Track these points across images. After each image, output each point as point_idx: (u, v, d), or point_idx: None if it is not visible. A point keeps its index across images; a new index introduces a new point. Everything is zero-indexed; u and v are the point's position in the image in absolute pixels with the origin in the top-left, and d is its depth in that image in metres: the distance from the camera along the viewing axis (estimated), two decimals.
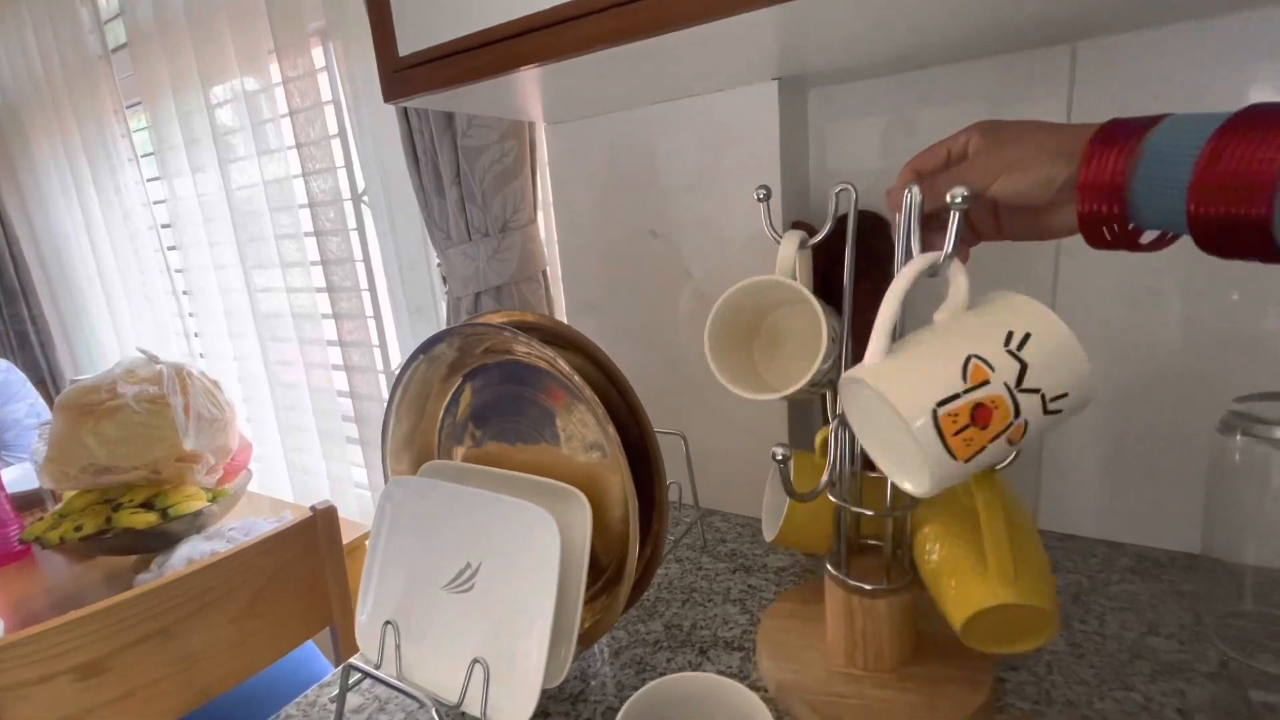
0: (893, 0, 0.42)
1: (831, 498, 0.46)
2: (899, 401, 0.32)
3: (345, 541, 0.84)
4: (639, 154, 0.72)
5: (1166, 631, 0.51)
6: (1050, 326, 0.33)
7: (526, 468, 0.53)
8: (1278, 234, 0.28)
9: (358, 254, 1.20)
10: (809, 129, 0.69)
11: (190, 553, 0.89)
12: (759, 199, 0.46)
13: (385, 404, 0.57)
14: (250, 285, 1.37)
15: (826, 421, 0.51)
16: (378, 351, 1.24)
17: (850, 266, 0.43)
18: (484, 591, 0.48)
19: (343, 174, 1.16)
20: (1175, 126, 0.31)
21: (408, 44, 0.56)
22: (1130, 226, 0.33)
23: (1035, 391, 0.32)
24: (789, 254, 0.43)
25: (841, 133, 0.67)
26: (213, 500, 0.99)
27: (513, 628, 0.45)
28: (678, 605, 0.60)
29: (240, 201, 1.30)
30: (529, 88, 0.60)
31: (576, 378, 0.45)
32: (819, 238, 0.44)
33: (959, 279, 0.36)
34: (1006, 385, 0.32)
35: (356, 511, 1.32)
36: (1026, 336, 0.33)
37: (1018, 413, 0.32)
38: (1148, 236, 0.34)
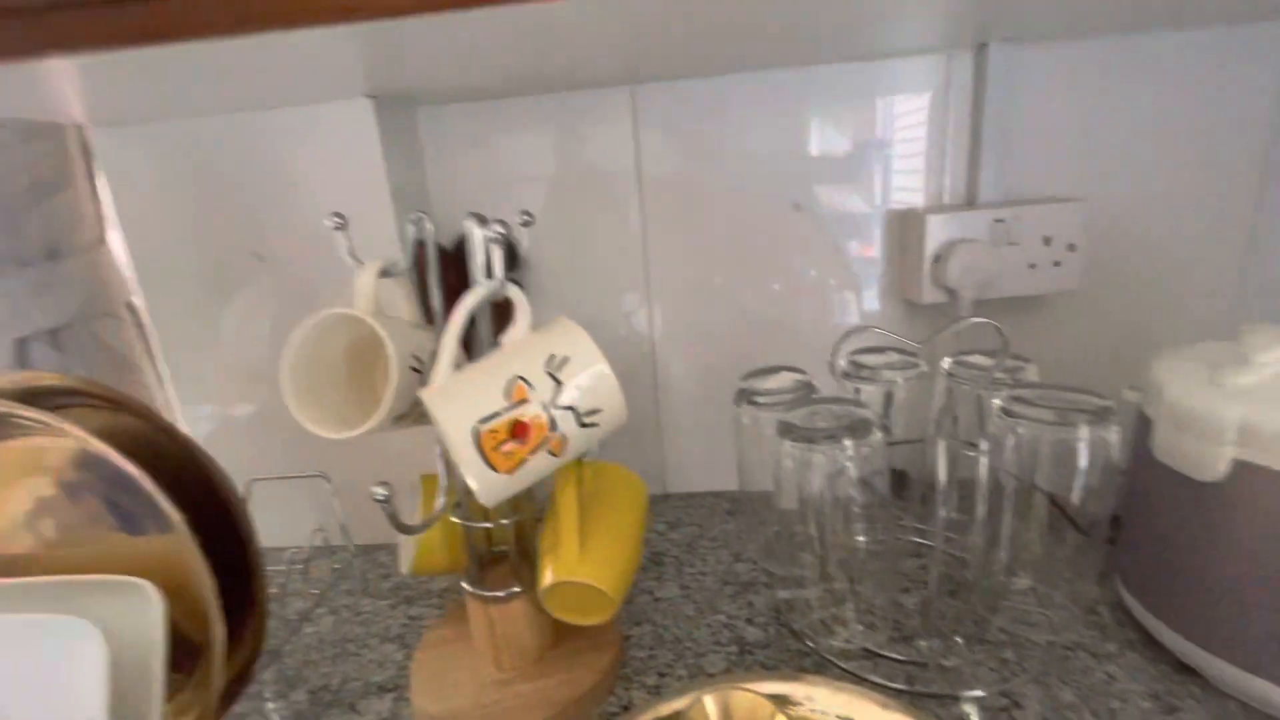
0: (450, 38, 0.44)
1: (454, 519, 0.47)
2: (444, 419, 0.35)
3: None
4: (231, 165, 0.63)
5: (745, 557, 0.65)
6: (585, 351, 0.38)
7: (78, 567, 0.42)
8: None
9: None
10: (425, 150, 0.68)
11: None
12: (333, 228, 0.44)
13: None
14: None
15: None
16: None
17: (437, 292, 0.44)
18: None
19: None
20: None
21: None
22: None
23: (570, 409, 0.37)
24: (366, 284, 0.42)
25: (453, 153, 0.69)
26: None
27: None
28: (328, 664, 0.56)
29: None
30: (61, 80, 0.47)
31: (96, 443, 0.37)
32: (406, 264, 0.44)
33: (521, 304, 0.39)
34: (544, 403, 0.36)
35: None
36: (565, 359, 0.37)
37: (554, 427, 0.37)
38: None
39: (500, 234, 0.37)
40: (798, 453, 0.41)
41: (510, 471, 0.37)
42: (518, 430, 0.36)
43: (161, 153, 0.64)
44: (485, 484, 0.37)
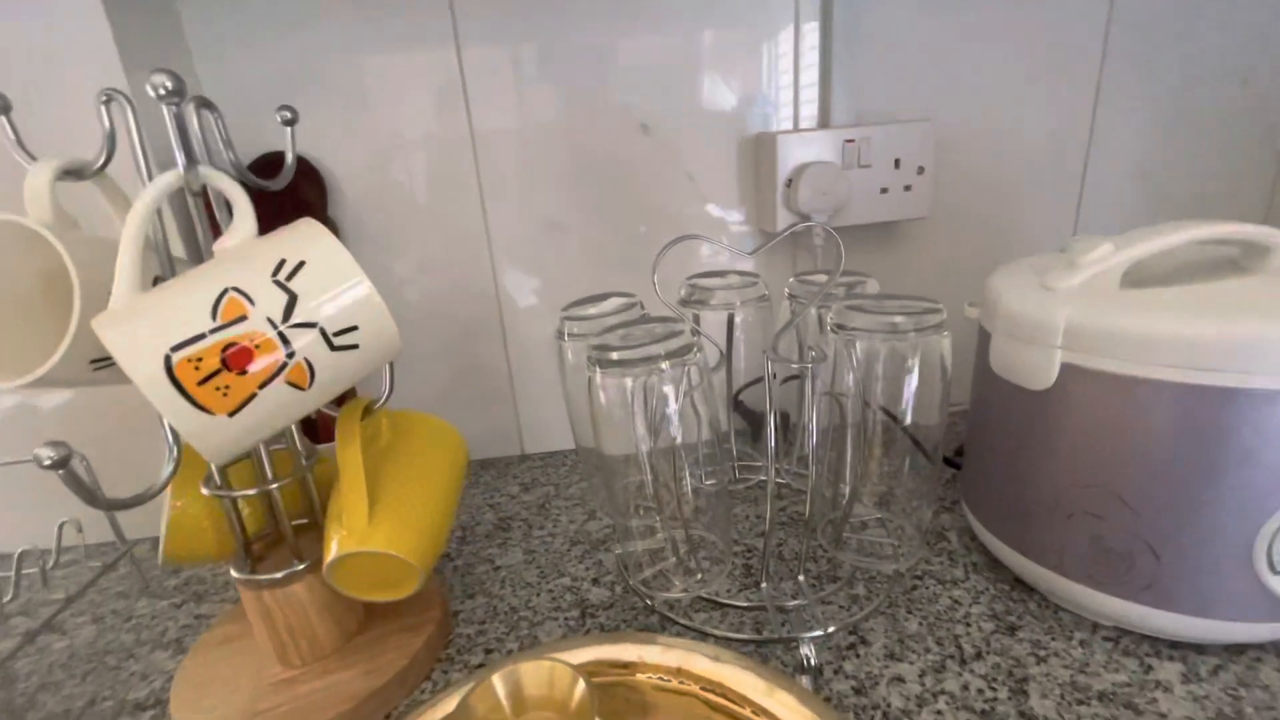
0: None
1: (204, 490, 0.38)
2: (120, 349, 0.26)
3: None
4: None
5: (600, 516, 0.60)
6: (328, 254, 0.30)
7: None
8: None
9: None
10: (191, 45, 0.56)
11: None
12: None
13: None
14: None
15: None
16: None
17: (201, 222, 0.34)
18: None
19: None
20: None
21: None
22: None
23: (311, 325, 0.29)
24: (40, 186, 0.32)
25: (234, 50, 0.56)
26: None
27: None
28: (74, 683, 0.45)
29: None
30: None
31: None
32: (99, 163, 0.34)
33: (240, 202, 0.30)
34: (270, 320, 0.28)
35: None
36: (300, 265, 0.29)
37: (291, 352, 0.29)
38: None
39: (165, 90, 0.28)
40: (610, 383, 0.35)
41: (231, 413, 0.28)
42: (234, 358, 0.28)
43: None
44: (195, 429, 0.28)
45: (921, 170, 0.60)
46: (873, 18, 0.59)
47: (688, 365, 0.36)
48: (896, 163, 0.59)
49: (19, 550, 0.47)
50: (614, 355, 0.34)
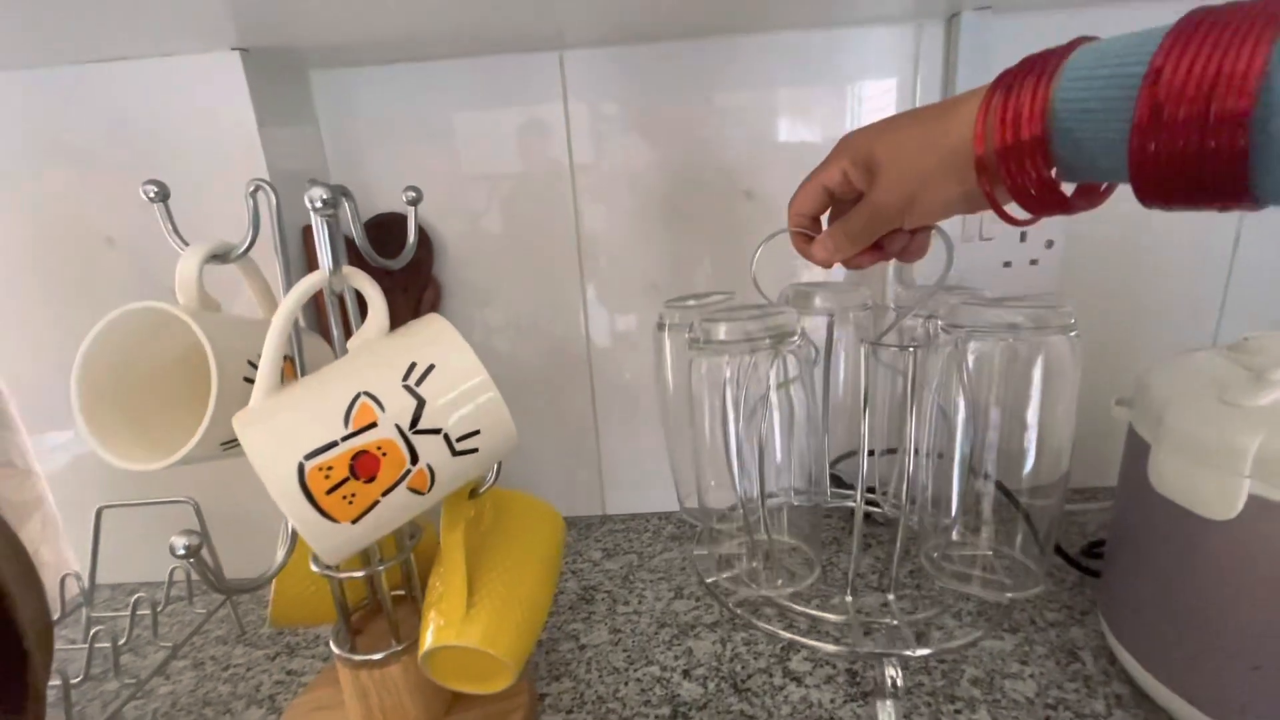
0: None
1: (313, 567, 0.38)
2: (257, 455, 0.26)
3: None
4: (69, 131, 0.52)
5: (688, 592, 0.57)
6: (457, 357, 0.30)
7: None
8: (1258, 137, 0.21)
9: None
10: (318, 115, 0.59)
11: None
12: (149, 198, 0.34)
13: None
14: None
15: None
16: None
17: (286, 287, 0.35)
18: None
19: None
20: (1104, 45, 0.26)
21: None
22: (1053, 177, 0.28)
23: (436, 432, 0.28)
24: (189, 271, 0.33)
25: (354, 122, 0.59)
26: None
27: None
28: None
29: None
30: None
31: None
32: (243, 248, 0.35)
33: (375, 299, 0.31)
34: (398, 427, 0.28)
35: None
36: (430, 368, 0.29)
37: (415, 458, 0.28)
38: (1069, 188, 0.29)
39: (325, 200, 0.28)
40: (709, 362, 0.33)
41: (354, 520, 0.28)
42: (362, 466, 0.27)
43: None
44: (319, 538, 0.28)
45: (1050, 244, 0.55)
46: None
47: (784, 353, 0.34)
48: (1023, 235, 0.55)
49: (135, 597, 0.49)
50: (719, 333, 0.33)
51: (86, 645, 0.51)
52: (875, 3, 0.51)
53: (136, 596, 0.49)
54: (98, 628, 0.46)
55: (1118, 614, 0.43)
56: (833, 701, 0.44)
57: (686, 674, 0.48)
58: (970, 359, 0.36)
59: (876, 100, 0.57)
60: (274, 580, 0.42)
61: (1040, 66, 0.27)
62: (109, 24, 0.43)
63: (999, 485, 0.37)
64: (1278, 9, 0.21)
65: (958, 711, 0.42)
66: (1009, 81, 0.28)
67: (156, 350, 0.37)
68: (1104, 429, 0.65)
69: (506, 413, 0.30)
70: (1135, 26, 0.58)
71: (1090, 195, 0.30)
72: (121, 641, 0.48)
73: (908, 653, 0.37)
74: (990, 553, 0.40)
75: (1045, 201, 0.29)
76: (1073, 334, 0.34)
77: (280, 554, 0.33)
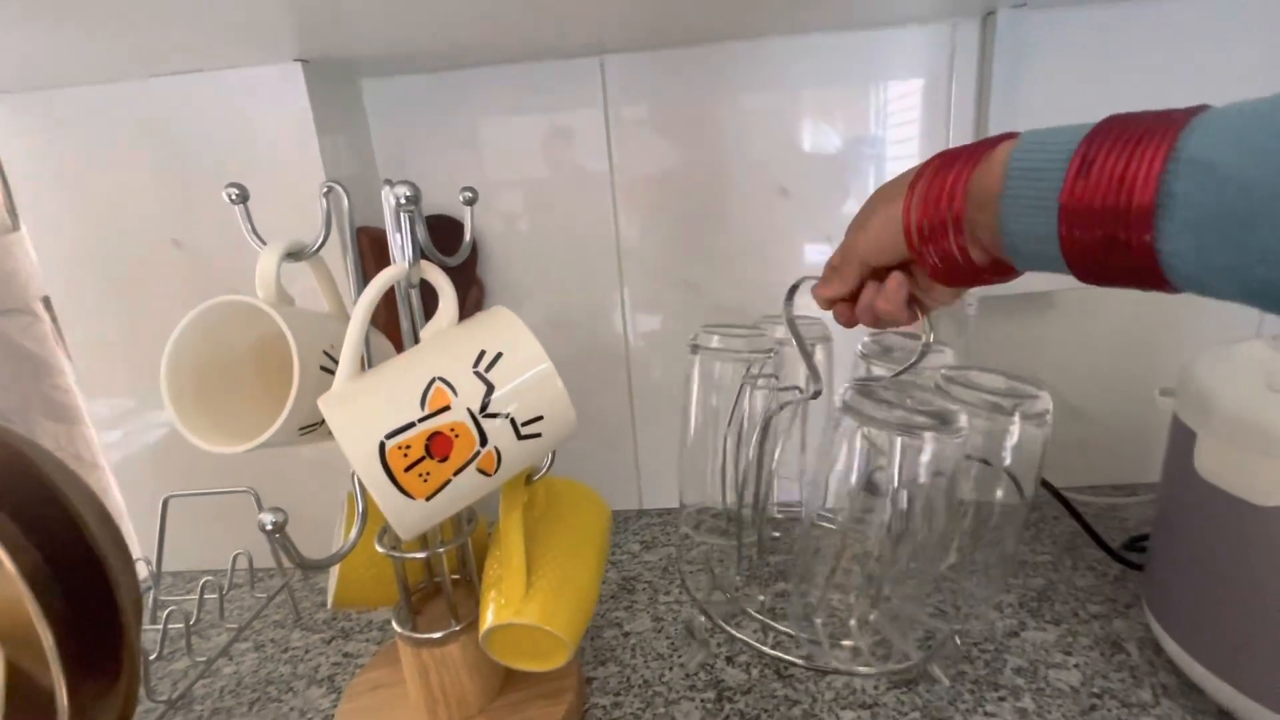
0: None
1: (379, 548, 0.40)
2: (342, 433, 0.27)
3: None
4: (142, 139, 0.55)
5: (728, 582, 0.58)
6: (524, 347, 0.31)
7: None
8: (1162, 230, 0.22)
9: None
10: (370, 123, 0.61)
11: None
12: (230, 200, 0.36)
13: None
14: None
15: None
16: None
17: (355, 281, 0.37)
18: None
19: None
20: (1032, 140, 0.27)
21: None
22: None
23: (504, 417, 0.30)
24: (268, 267, 0.35)
25: (406, 128, 0.61)
26: None
27: None
28: (242, 712, 0.48)
29: None
30: None
31: None
32: (317, 246, 0.37)
33: (446, 290, 0.32)
34: (470, 411, 0.29)
35: None
36: (498, 356, 0.30)
37: (484, 440, 0.30)
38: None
39: (405, 199, 0.30)
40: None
41: (428, 497, 0.30)
42: (436, 446, 0.29)
43: (61, 123, 0.56)
44: (397, 512, 0.30)
45: None
46: (1035, 70, 0.56)
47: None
48: None
49: (203, 581, 0.51)
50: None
51: (157, 627, 0.54)
52: (912, 2, 0.52)
53: (205, 580, 0.52)
54: (169, 609, 0.49)
55: (1164, 604, 0.43)
56: (876, 688, 0.45)
57: (730, 660, 0.49)
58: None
59: (906, 100, 0.58)
60: (338, 565, 0.44)
61: (967, 157, 0.30)
62: (180, 39, 0.46)
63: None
64: (1180, 117, 0.23)
65: (1001, 699, 0.43)
66: (939, 165, 0.31)
67: (232, 342, 0.39)
68: (1145, 424, 0.65)
69: (568, 399, 0.32)
70: (1163, 24, 0.58)
71: (1003, 271, 0.31)
72: (192, 622, 0.51)
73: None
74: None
75: (953, 274, 0.31)
76: (958, 439, 0.34)
77: (352, 534, 0.35)
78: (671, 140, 0.60)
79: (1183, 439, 0.40)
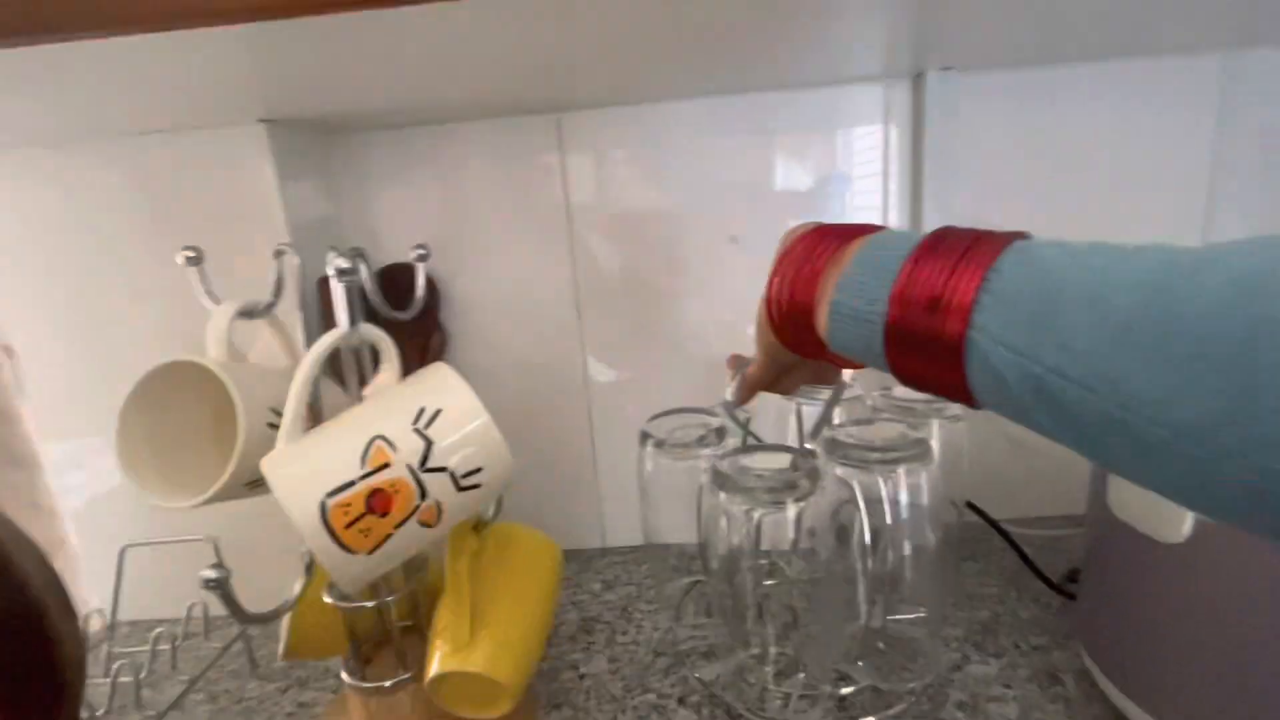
0: (338, 56, 0.39)
1: (327, 598, 0.41)
2: (283, 494, 0.29)
3: None
4: (105, 195, 0.57)
5: (688, 621, 0.59)
6: (461, 403, 0.33)
7: None
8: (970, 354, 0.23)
9: None
10: (341, 182, 0.63)
11: None
12: (185, 262, 0.38)
13: None
14: None
15: None
16: None
17: (306, 337, 0.38)
18: None
19: None
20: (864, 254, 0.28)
21: None
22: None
23: (443, 471, 0.32)
24: (219, 326, 0.36)
25: (372, 186, 0.64)
26: None
27: None
28: None
29: None
30: None
31: None
32: (268, 305, 0.39)
33: (388, 350, 0.34)
34: (409, 467, 0.31)
35: None
36: (438, 412, 0.32)
37: (425, 494, 0.31)
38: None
39: (344, 269, 0.32)
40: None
41: (370, 551, 0.31)
42: (377, 502, 0.30)
43: (26, 180, 0.57)
44: (338, 567, 0.31)
45: None
46: (966, 127, 0.60)
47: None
48: None
49: (155, 632, 0.51)
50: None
51: (107, 680, 0.53)
52: (846, 64, 0.56)
53: (157, 631, 0.51)
54: (120, 662, 0.49)
55: (1092, 637, 0.45)
56: None
57: (681, 701, 0.49)
58: None
59: (857, 154, 0.62)
60: (289, 616, 0.44)
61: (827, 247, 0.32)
62: (149, 103, 0.48)
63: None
64: (999, 242, 0.23)
65: None
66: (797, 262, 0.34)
67: (186, 397, 0.40)
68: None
69: (507, 451, 0.33)
70: (1089, 88, 0.62)
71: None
72: (143, 674, 0.50)
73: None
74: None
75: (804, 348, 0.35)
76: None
77: (296, 587, 0.36)
78: (629, 188, 0.63)
79: (1099, 474, 0.43)
